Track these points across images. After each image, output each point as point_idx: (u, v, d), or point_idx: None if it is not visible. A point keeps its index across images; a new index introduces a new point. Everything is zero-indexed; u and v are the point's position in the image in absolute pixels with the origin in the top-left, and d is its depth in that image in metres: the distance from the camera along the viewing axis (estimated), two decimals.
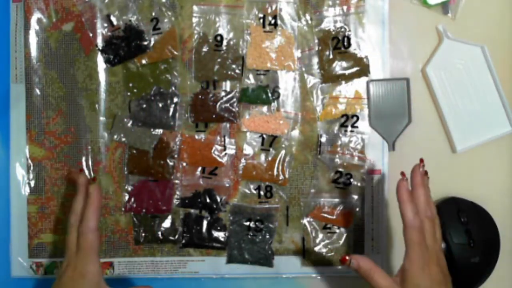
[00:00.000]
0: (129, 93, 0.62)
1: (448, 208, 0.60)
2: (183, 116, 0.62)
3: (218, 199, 0.62)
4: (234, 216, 0.62)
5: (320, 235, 0.63)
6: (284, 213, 0.63)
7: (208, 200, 0.62)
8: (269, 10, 0.61)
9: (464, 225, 0.59)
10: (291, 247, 0.63)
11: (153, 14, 0.61)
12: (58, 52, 0.62)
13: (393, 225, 0.63)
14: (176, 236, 0.63)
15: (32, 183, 0.63)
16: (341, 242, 0.63)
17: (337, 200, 0.62)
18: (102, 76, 0.62)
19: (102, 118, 0.62)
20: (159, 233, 0.62)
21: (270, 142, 0.62)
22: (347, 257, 0.50)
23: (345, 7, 0.61)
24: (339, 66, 0.61)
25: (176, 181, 0.62)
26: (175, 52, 0.61)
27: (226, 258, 0.63)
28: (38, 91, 0.62)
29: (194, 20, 0.61)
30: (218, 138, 0.62)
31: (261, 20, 0.61)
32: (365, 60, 0.61)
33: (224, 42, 0.61)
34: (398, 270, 0.49)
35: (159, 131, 0.62)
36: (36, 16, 0.62)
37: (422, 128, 0.63)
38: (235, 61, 0.61)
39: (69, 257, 0.53)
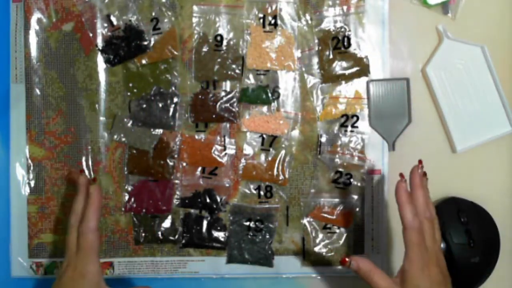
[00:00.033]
0: (129, 93, 0.62)
1: (448, 208, 0.60)
2: (183, 116, 0.62)
3: (218, 199, 0.62)
4: (234, 216, 0.62)
5: (320, 235, 0.63)
6: (284, 213, 0.63)
7: (208, 200, 0.62)
8: (269, 10, 0.61)
9: (464, 225, 0.59)
10: (291, 247, 0.63)
11: (153, 14, 0.61)
12: (58, 52, 0.62)
13: (393, 225, 0.63)
14: (176, 236, 0.63)
15: (32, 183, 0.63)
16: (341, 242, 0.63)
17: (337, 200, 0.62)
18: (102, 76, 0.62)
19: (102, 118, 0.62)
20: (159, 233, 0.63)
21: (270, 142, 0.62)
22: (347, 259, 0.50)
23: (345, 7, 0.61)
24: (339, 66, 0.61)
25: (176, 181, 0.62)
26: (175, 52, 0.61)
27: (226, 258, 0.63)
28: (38, 91, 0.62)
29: (194, 20, 0.61)
30: (218, 138, 0.62)
31: (261, 20, 0.61)
32: (365, 60, 0.61)
33: (224, 42, 0.61)
34: (398, 271, 0.49)
35: (159, 131, 0.62)
36: (36, 16, 0.62)
37: (422, 128, 0.63)
38: (235, 61, 0.61)
39: (69, 257, 0.53)
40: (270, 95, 0.61)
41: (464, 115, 0.62)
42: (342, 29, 0.61)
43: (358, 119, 0.62)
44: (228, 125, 0.62)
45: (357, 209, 0.62)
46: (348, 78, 0.62)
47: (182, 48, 0.62)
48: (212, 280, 0.63)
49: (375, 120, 0.62)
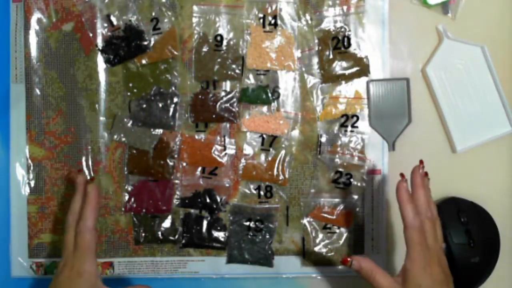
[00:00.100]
0: (129, 93, 0.62)
1: (448, 208, 0.60)
2: (183, 116, 0.62)
3: (218, 199, 0.62)
4: (234, 216, 0.62)
5: (320, 235, 0.63)
6: (284, 213, 0.63)
7: (208, 200, 0.62)
8: (269, 10, 0.61)
9: (464, 225, 0.59)
10: (291, 247, 0.63)
11: (153, 14, 0.61)
12: (58, 52, 0.62)
13: (393, 225, 0.63)
14: (176, 236, 0.63)
15: (32, 183, 0.63)
16: (341, 242, 0.63)
17: (337, 200, 0.62)
18: (102, 76, 0.62)
19: (102, 118, 0.62)
20: (159, 233, 0.62)
21: (270, 142, 0.62)
22: (348, 258, 0.50)
23: (345, 7, 0.61)
24: (339, 66, 0.61)
25: (176, 181, 0.62)
26: (175, 52, 0.61)
27: (226, 258, 0.63)
28: (38, 91, 0.62)
29: (194, 20, 0.61)
30: (218, 138, 0.62)
31: (261, 20, 0.61)
32: (365, 60, 0.61)
33: (224, 42, 0.61)
34: (400, 270, 0.49)
35: (159, 131, 0.62)
36: (36, 16, 0.62)
37: (422, 128, 0.63)
38: (235, 61, 0.61)
39: (66, 256, 0.53)
40: (270, 95, 0.61)
41: (464, 115, 0.62)
42: (342, 29, 0.61)
43: (358, 119, 0.62)
44: (228, 125, 0.62)
45: (357, 209, 0.62)
46: (348, 78, 0.62)
47: (182, 48, 0.62)
48: (212, 280, 0.63)
49: (375, 120, 0.62)
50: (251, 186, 0.63)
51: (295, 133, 0.62)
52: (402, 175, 0.51)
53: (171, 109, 0.62)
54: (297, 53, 0.61)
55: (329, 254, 0.63)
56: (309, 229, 0.63)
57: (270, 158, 0.62)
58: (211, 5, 0.61)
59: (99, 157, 0.62)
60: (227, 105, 0.61)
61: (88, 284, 0.51)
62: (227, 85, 0.62)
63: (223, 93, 0.62)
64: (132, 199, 0.62)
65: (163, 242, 0.63)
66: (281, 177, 0.62)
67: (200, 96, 0.62)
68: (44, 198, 0.63)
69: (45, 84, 0.62)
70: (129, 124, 0.62)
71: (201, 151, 0.62)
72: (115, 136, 0.62)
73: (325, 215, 0.62)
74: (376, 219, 0.62)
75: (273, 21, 0.61)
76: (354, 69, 0.61)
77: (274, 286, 0.64)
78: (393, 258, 0.63)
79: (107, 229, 0.63)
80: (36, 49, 0.62)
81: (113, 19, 0.61)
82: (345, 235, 0.63)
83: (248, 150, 0.62)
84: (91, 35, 0.62)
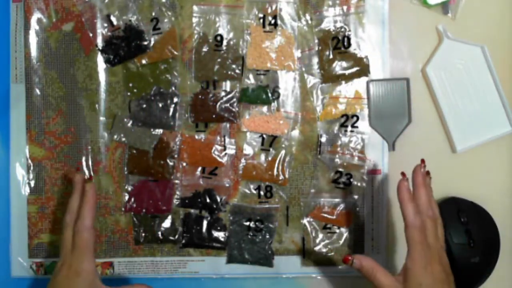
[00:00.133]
0: (129, 93, 0.62)
1: (448, 208, 0.60)
2: (183, 116, 0.62)
3: (218, 199, 0.62)
4: (234, 216, 0.62)
5: (320, 235, 0.63)
6: (284, 213, 0.63)
7: (208, 200, 0.62)
8: (269, 10, 0.61)
9: (464, 225, 0.59)
10: (291, 247, 0.63)
11: (153, 14, 0.61)
12: (58, 52, 0.62)
13: (393, 225, 0.63)
14: (176, 236, 0.63)
15: (32, 183, 0.63)
16: (341, 242, 0.63)
17: (337, 200, 0.62)
18: (102, 76, 0.62)
19: (102, 118, 0.62)
20: (159, 233, 0.62)
21: (270, 142, 0.62)
22: (349, 257, 0.50)
23: (345, 7, 0.61)
24: (339, 66, 0.61)
25: (176, 181, 0.62)
26: (175, 52, 0.61)
27: (226, 258, 0.63)
28: (38, 91, 0.62)
29: (194, 20, 0.61)
30: (218, 138, 0.62)
31: (261, 20, 0.61)
32: (365, 60, 0.61)
33: (224, 42, 0.61)
34: (401, 269, 0.49)
35: (159, 131, 0.62)
36: (36, 16, 0.62)
37: (422, 128, 0.63)
38: (235, 61, 0.61)
39: (64, 255, 0.53)
40: (270, 95, 0.61)
41: (464, 115, 0.62)
42: (342, 29, 0.61)
43: (358, 119, 0.62)
44: (228, 125, 0.62)
45: (357, 209, 0.62)
46: (348, 78, 0.62)
47: (182, 48, 0.62)
48: (212, 280, 0.63)
49: (375, 120, 0.62)
50: (251, 186, 0.63)
51: (295, 133, 0.62)
52: (403, 174, 0.51)
53: (171, 109, 0.62)
54: (297, 53, 0.61)
55: (329, 254, 0.63)
56: (309, 229, 0.63)
57: (270, 158, 0.62)
58: (211, 5, 0.61)
59: (99, 157, 0.62)
60: (227, 105, 0.61)
61: (86, 283, 0.51)
62: (227, 85, 0.62)
63: (223, 93, 0.62)
64: (132, 199, 0.62)
65: (163, 242, 0.63)
66: (281, 177, 0.62)
67: (200, 96, 0.62)
68: (44, 198, 0.63)
69: (45, 84, 0.62)
70: (129, 124, 0.62)
71: (201, 151, 0.62)
72: (115, 136, 0.62)
73: (325, 215, 0.62)
74: (376, 219, 0.62)
75: (273, 21, 0.61)
76: (354, 69, 0.61)
77: (274, 286, 0.64)
78: (393, 258, 0.63)
79: (107, 229, 0.63)
80: (36, 49, 0.62)
81: (113, 19, 0.61)
82: (345, 235, 0.63)
83: (248, 150, 0.62)
84: (91, 35, 0.62)
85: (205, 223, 0.62)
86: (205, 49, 0.61)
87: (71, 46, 0.62)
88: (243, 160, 0.62)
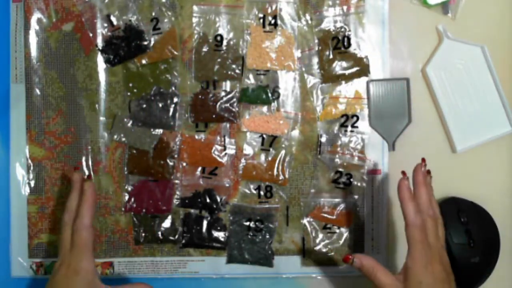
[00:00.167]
0: (129, 93, 0.62)
1: (448, 208, 0.60)
2: (183, 116, 0.62)
3: (218, 199, 0.62)
4: (234, 216, 0.62)
5: (320, 235, 0.63)
6: (284, 213, 0.63)
7: (208, 200, 0.62)
8: (269, 10, 0.61)
9: (464, 225, 0.59)
10: (291, 247, 0.63)
11: (153, 14, 0.61)
12: (58, 52, 0.62)
13: (393, 225, 0.63)
14: (176, 236, 0.63)
15: (32, 183, 0.63)
16: (341, 242, 0.63)
17: (337, 200, 0.62)
18: (102, 76, 0.62)
19: (102, 118, 0.62)
20: (159, 233, 0.62)
21: (270, 142, 0.62)
22: (350, 256, 0.50)
23: (345, 7, 0.61)
24: (339, 66, 0.61)
25: (176, 181, 0.62)
26: (175, 52, 0.61)
27: (226, 258, 0.63)
28: (38, 91, 0.62)
29: (194, 20, 0.61)
30: (218, 138, 0.62)
31: (261, 20, 0.61)
32: (365, 60, 0.61)
33: (224, 42, 0.61)
34: (401, 268, 0.49)
35: (159, 131, 0.62)
36: (36, 16, 0.62)
37: (422, 128, 0.63)
38: (235, 61, 0.61)
39: (63, 255, 0.52)
40: (270, 95, 0.61)
41: (464, 115, 0.62)
42: (342, 29, 0.61)
43: (358, 119, 0.62)
44: (228, 125, 0.62)
45: (357, 209, 0.62)
46: (348, 78, 0.62)
47: (182, 48, 0.62)
48: (212, 280, 0.63)
49: (375, 120, 0.62)
50: (251, 186, 0.63)
51: (295, 133, 0.62)
52: (403, 173, 0.51)
53: (171, 109, 0.62)
54: (297, 53, 0.61)
55: (329, 254, 0.63)
56: (309, 229, 0.63)
57: (270, 158, 0.62)
58: (211, 5, 0.61)
59: (99, 157, 0.62)
60: (227, 105, 0.61)
61: (85, 282, 0.50)
62: (227, 85, 0.62)
63: (223, 93, 0.62)
64: (132, 199, 0.62)
65: (163, 242, 0.63)
66: (281, 177, 0.62)
67: (200, 96, 0.62)
68: (44, 198, 0.63)
69: (45, 84, 0.62)
70: (129, 124, 0.62)
71: (201, 151, 0.62)
72: (115, 136, 0.62)
73: (325, 215, 0.62)
74: (376, 219, 0.62)
75: (273, 21, 0.61)
76: (354, 69, 0.61)
77: (274, 286, 0.64)
78: (393, 258, 0.63)
79: (107, 229, 0.63)
80: (36, 49, 0.62)
81: (113, 19, 0.61)
82: (345, 235, 0.63)
83: (248, 150, 0.62)
84: (91, 35, 0.62)
85: (205, 223, 0.62)
86: (205, 49, 0.61)
87: (71, 46, 0.62)
88: (243, 160, 0.62)
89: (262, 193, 0.63)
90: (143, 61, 0.61)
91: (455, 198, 0.62)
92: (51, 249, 0.63)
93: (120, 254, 0.63)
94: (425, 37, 0.62)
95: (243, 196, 0.63)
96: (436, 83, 0.62)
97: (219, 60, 0.61)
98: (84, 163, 0.62)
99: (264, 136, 0.62)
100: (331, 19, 0.61)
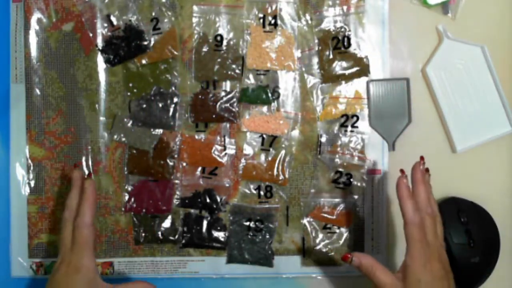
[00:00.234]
0: (129, 93, 0.62)
1: (448, 208, 0.60)
2: (183, 116, 0.62)
3: (218, 199, 0.62)
4: (234, 216, 0.62)
5: (320, 235, 0.63)
6: (284, 213, 0.63)
7: (208, 200, 0.62)
8: (269, 10, 0.61)
9: (464, 225, 0.59)
10: (291, 247, 0.63)
11: (153, 14, 0.61)
12: (58, 52, 0.62)
13: (393, 225, 0.63)
14: (176, 236, 0.63)
15: (32, 183, 0.63)
16: (341, 242, 0.63)
17: (337, 200, 0.62)
18: (102, 76, 0.62)
19: (102, 118, 0.62)
20: (159, 233, 0.62)
21: (270, 142, 0.62)
22: (348, 255, 0.50)
23: (345, 7, 0.61)
24: (339, 66, 0.61)
25: (176, 181, 0.62)
26: (175, 52, 0.61)
27: (226, 258, 0.63)
28: (38, 91, 0.62)
29: (194, 20, 0.61)
30: (218, 138, 0.62)
31: (261, 20, 0.61)
32: (365, 60, 0.61)
33: (224, 42, 0.61)
34: (400, 266, 0.49)
35: (159, 131, 0.62)
36: (36, 16, 0.62)
37: (422, 128, 0.63)
38: (235, 61, 0.61)
39: (63, 253, 0.52)
40: (270, 95, 0.61)
41: (464, 115, 0.62)
42: (342, 29, 0.61)
43: (358, 119, 0.62)
44: (228, 125, 0.62)
45: (357, 209, 0.62)
46: (348, 78, 0.62)
47: (182, 48, 0.62)
48: (212, 280, 0.63)
49: (375, 120, 0.62)
50: (251, 186, 0.63)
51: (295, 133, 0.62)
52: (402, 171, 0.51)
53: (171, 109, 0.62)
54: (297, 53, 0.61)
55: (329, 254, 0.63)
56: (309, 229, 0.63)
57: (270, 158, 0.62)
58: (211, 5, 0.61)
59: (99, 157, 0.62)
60: (227, 105, 0.61)
61: (86, 280, 0.50)
62: (227, 85, 0.62)
63: (223, 93, 0.62)
64: (132, 199, 0.62)
65: (163, 242, 0.63)
66: (281, 177, 0.62)
67: (200, 96, 0.62)
68: (44, 198, 0.63)
69: (45, 84, 0.62)
70: (129, 124, 0.62)
71: (201, 151, 0.62)
72: (115, 136, 0.62)
73: (325, 215, 0.62)
74: (376, 219, 0.62)
75: (273, 21, 0.61)
76: (354, 69, 0.61)
77: (274, 286, 0.64)
78: (393, 258, 0.63)
79: (107, 229, 0.63)
80: (36, 49, 0.62)
81: (113, 19, 0.61)
82: (345, 235, 0.63)
83: (248, 150, 0.62)
84: (91, 35, 0.62)
85: (205, 223, 0.62)
86: (205, 49, 0.61)
87: (71, 46, 0.62)
88: (243, 160, 0.62)
89: (262, 193, 0.63)
90: (143, 61, 0.61)
91: (455, 198, 0.62)
92: (51, 249, 0.63)
93: (120, 254, 0.63)
94: (425, 37, 0.62)
95: (243, 196, 0.63)
96: (436, 83, 0.62)
97: (219, 60, 0.61)
98: (84, 163, 0.62)
99: (264, 136, 0.62)
100: (331, 19, 0.61)
